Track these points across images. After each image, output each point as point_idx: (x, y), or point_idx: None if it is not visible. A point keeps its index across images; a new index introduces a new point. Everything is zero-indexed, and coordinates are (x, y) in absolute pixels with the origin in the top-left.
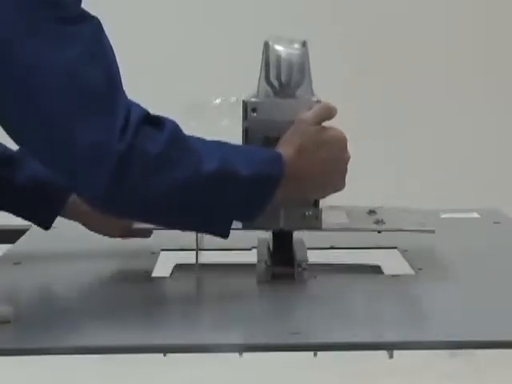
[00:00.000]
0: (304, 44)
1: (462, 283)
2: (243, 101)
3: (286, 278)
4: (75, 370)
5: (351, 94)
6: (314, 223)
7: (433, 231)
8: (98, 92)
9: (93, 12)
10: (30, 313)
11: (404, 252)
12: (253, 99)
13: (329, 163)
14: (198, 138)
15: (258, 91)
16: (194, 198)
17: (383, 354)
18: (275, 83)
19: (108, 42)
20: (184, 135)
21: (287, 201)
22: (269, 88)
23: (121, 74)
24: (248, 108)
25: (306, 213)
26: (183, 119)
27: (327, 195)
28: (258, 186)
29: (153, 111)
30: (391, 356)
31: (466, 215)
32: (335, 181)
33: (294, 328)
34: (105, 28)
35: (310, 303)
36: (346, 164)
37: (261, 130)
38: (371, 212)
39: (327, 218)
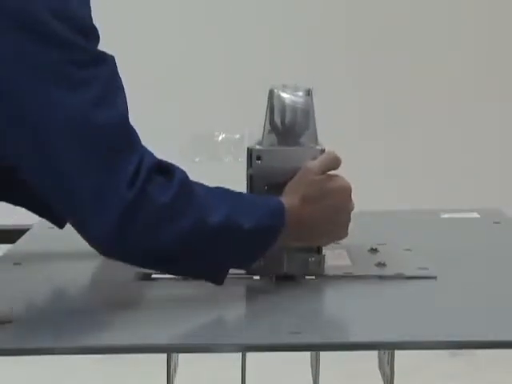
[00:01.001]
0: (309, 92)
1: (461, 283)
2: (248, 148)
3: (287, 279)
4: (75, 369)
5: (354, 93)
6: (317, 269)
7: (434, 277)
8: (110, 137)
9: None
10: (30, 313)
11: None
12: (258, 147)
13: (333, 212)
14: (205, 188)
15: (262, 139)
16: (196, 248)
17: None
18: (279, 129)
19: (121, 84)
20: (192, 186)
21: (290, 247)
22: (273, 136)
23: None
24: (253, 156)
25: (309, 259)
26: (185, 155)
27: (329, 243)
28: (259, 236)
29: (156, 146)
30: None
31: (466, 215)
32: (338, 229)
33: (294, 328)
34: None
35: (310, 303)
36: (350, 213)
37: (265, 177)
38: (372, 250)
39: (329, 261)
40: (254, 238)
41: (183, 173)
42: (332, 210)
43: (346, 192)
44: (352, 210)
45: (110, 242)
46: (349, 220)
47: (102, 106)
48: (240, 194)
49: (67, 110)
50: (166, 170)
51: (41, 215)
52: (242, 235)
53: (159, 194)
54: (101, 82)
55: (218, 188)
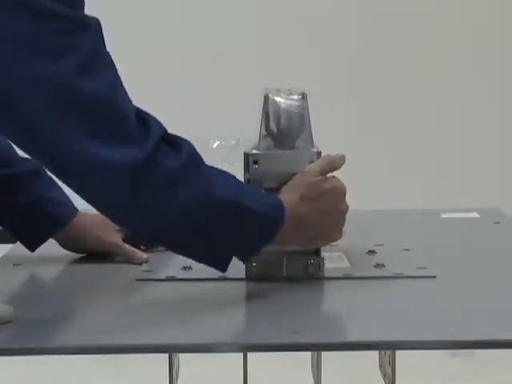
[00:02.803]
0: (303, 96)
1: (461, 283)
2: (245, 153)
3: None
4: (75, 369)
5: (354, 94)
6: (317, 272)
7: (434, 277)
8: (100, 106)
9: None
10: (30, 313)
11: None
12: (254, 151)
13: (328, 212)
14: (211, 166)
15: (258, 143)
16: (203, 220)
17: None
18: (275, 133)
19: (105, 49)
20: (200, 158)
21: (286, 249)
22: (269, 140)
23: None
24: (250, 160)
25: (309, 261)
26: None
27: (324, 245)
28: (264, 223)
29: None
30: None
31: (466, 215)
32: (332, 231)
33: (294, 328)
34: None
35: (310, 303)
36: (344, 215)
37: (262, 181)
38: (370, 252)
39: (327, 263)
40: (259, 222)
41: (191, 145)
42: (328, 210)
43: (340, 192)
44: (346, 211)
45: (121, 211)
46: (343, 222)
47: (87, 73)
48: (244, 182)
49: (52, 81)
50: (173, 141)
51: (14, 236)
52: (248, 216)
53: (168, 161)
54: (82, 51)
55: (224, 171)
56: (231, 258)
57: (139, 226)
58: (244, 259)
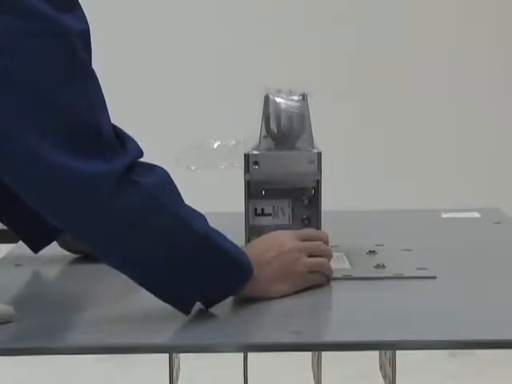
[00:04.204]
0: (304, 96)
1: (461, 283)
2: (245, 154)
3: None
4: (75, 370)
5: (354, 92)
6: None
7: (434, 277)
8: (73, 114)
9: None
10: (30, 313)
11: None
12: (254, 152)
13: (276, 259)
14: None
15: (259, 144)
16: (176, 249)
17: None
18: (275, 134)
19: (87, 60)
20: (176, 186)
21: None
22: (270, 141)
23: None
24: (250, 161)
25: None
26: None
27: (297, 288)
28: (236, 267)
29: (151, 154)
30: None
31: (467, 215)
32: (296, 274)
33: (294, 328)
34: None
35: (310, 304)
36: (292, 255)
37: (263, 182)
38: (371, 252)
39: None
40: (231, 265)
41: (166, 172)
42: (274, 257)
43: (279, 238)
44: (295, 250)
45: (87, 226)
46: (299, 261)
47: (60, 81)
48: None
49: (21, 85)
50: (149, 164)
51: (21, 237)
52: (221, 255)
53: (144, 180)
54: (59, 55)
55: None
56: (195, 300)
57: (104, 246)
58: (208, 304)
